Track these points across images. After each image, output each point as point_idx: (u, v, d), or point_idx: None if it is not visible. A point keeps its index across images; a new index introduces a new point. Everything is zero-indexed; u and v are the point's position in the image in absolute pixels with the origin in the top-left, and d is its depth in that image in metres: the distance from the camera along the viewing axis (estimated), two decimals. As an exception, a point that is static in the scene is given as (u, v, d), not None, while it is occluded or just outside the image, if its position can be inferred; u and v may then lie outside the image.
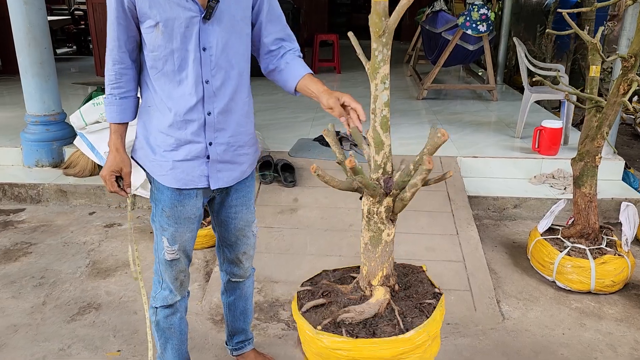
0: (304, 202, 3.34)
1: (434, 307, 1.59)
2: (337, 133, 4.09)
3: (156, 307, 1.79)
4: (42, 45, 3.82)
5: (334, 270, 1.83)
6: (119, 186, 1.64)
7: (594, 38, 2.73)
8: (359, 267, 1.78)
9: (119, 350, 2.27)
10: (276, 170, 3.56)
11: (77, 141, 3.50)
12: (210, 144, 1.61)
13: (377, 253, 1.60)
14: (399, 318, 1.54)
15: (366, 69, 1.45)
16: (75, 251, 3.11)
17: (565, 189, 3.60)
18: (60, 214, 3.61)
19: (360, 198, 1.61)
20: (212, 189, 1.67)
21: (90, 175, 3.80)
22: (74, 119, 3.47)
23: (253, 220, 1.85)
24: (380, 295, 1.58)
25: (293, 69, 1.65)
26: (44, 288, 2.73)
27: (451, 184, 3.50)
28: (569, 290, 2.69)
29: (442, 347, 2.28)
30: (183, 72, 1.53)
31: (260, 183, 3.52)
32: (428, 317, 1.55)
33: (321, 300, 1.59)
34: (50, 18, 10.42)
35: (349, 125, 1.51)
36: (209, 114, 1.58)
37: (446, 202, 3.33)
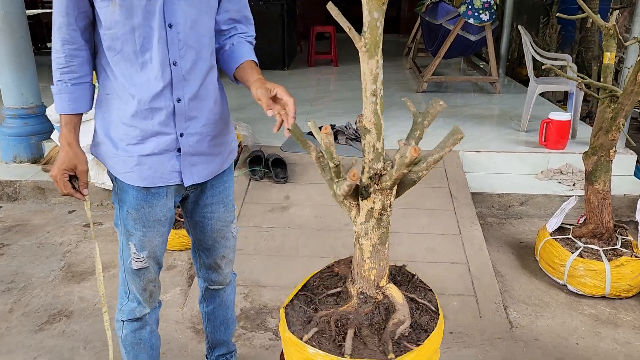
0: (296, 200, 3.13)
1: (421, 280, 1.49)
2: (332, 127, 3.88)
3: (123, 321, 1.58)
4: (19, 34, 3.60)
5: (296, 299, 1.49)
6: (73, 187, 1.41)
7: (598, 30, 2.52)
8: (306, 284, 1.53)
9: (88, 364, 2.07)
10: (267, 165, 3.35)
11: (55, 135, 3.29)
12: (182, 135, 1.40)
13: (386, 249, 1.40)
14: (427, 303, 1.39)
15: (359, 45, 1.23)
16: (50, 253, 2.90)
17: (574, 185, 3.39)
18: (37, 212, 3.40)
19: (365, 198, 1.38)
20: (185, 185, 1.46)
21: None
22: (51, 112, 3.26)
23: (232, 219, 1.64)
24: (398, 292, 1.41)
25: (236, 52, 1.47)
26: (12, 293, 2.51)
27: (453, 179, 3.29)
28: (582, 294, 2.49)
29: (446, 359, 2.08)
30: (146, 53, 1.32)
31: (249, 179, 3.31)
32: (432, 290, 1.43)
33: (351, 333, 1.38)
34: (40, 11, 10.21)
35: (281, 123, 1.32)
36: (178, 100, 1.37)
37: (448, 200, 3.12)
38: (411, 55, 6.94)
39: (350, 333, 1.33)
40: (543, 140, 3.64)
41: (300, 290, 1.44)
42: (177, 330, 2.26)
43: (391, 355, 1.26)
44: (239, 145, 3.57)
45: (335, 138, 3.75)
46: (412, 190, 3.43)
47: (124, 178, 1.41)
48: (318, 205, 3.09)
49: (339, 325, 1.36)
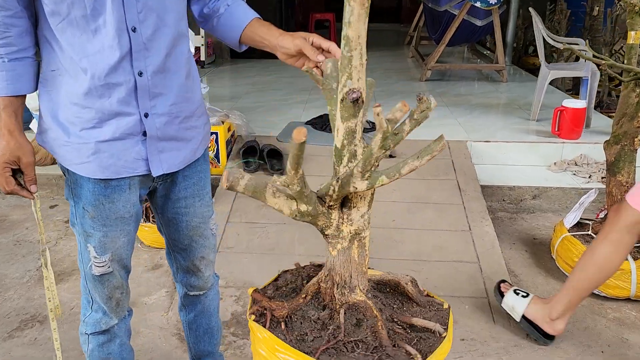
0: (293, 194, 2.91)
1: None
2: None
3: (87, 334, 1.37)
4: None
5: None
6: (19, 184, 1.18)
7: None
8: (298, 347, 1.19)
9: (60, 377, 1.85)
10: (262, 156, 3.13)
11: (33, 124, 3.06)
12: (147, 115, 1.19)
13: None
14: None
15: (362, 1, 1.01)
16: (27, 251, 2.69)
17: (590, 177, 3.17)
18: (16, 207, 3.18)
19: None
20: (154, 176, 1.25)
21: (52, 164, 3.36)
22: (29, 99, 3.02)
23: (211, 214, 1.43)
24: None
25: (236, 14, 1.29)
26: (-18, 296, 2.31)
27: (461, 171, 3.07)
28: (604, 296, 2.28)
29: (457, 369, 1.87)
30: (99, 17, 1.09)
31: (243, 171, 3.09)
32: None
33: (420, 321, 1.20)
34: None
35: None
36: (140, 74, 1.15)
37: (456, 193, 2.90)
38: (413, 43, 6.71)
39: (419, 321, 1.18)
40: (556, 129, 3.42)
41: (310, 355, 1.12)
42: (161, 337, 2.05)
43: (446, 305, 1.25)
44: (232, 136, 3.35)
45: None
46: (417, 183, 3.19)
47: (78, 170, 1.19)
48: (316, 199, 2.87)
49: (405, 327, 1.19)
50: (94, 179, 1.19)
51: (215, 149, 3.13)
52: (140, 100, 1.16)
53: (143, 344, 2.01)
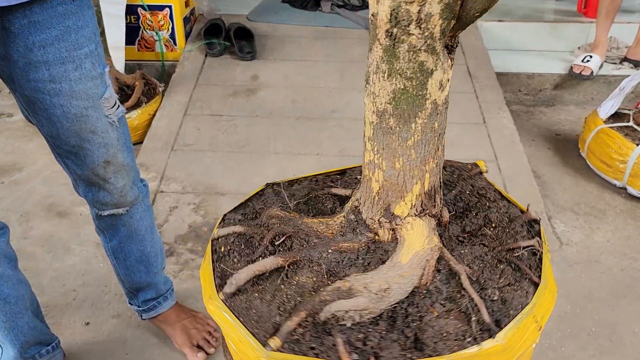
0: (268, 81, 2.38)
1: (541, 255, 0.78)
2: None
3: None
4: None
5: (294, 182, 0.91)
6: None
7: None
8: (345, 171, 0.85)
9: None
10: (228, 37, 2.54)
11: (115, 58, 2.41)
12: None
13: (414, 134, 0.69)
14: (476, 298, 0.67)
15: None
16: None
17: (621, 62, 2.68)
18: None
19: None
20: None
21: None
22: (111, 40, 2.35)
23: (102, 92, 0.88)
24: (419, 243, 0.70)
25: None
26: None
27: (471, 55, 2.55)
28: (648, 199, 1.88)
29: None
30: None
31: (205, 55, 2.51)
32: (538, 285, 0.75)
33: (270, 263, 0.70)
34: None
35: None
36: None
37: (466, 80, 2.40)
38: None
39: (265, 265, 0.81)
40: (583, 7, 2.87)
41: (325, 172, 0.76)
42: (98, 256, 1.61)
43: (273, 343, 0.85)
44: (191, 14, 2.72)
45: (318, 4, 2.92)
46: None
47: None
48: (296, 87, 2.34)
49: (275, 243, 0.84)
50: None
51: (170, 28, 2.53)
52: None
53: (74, 265, 1.57)
